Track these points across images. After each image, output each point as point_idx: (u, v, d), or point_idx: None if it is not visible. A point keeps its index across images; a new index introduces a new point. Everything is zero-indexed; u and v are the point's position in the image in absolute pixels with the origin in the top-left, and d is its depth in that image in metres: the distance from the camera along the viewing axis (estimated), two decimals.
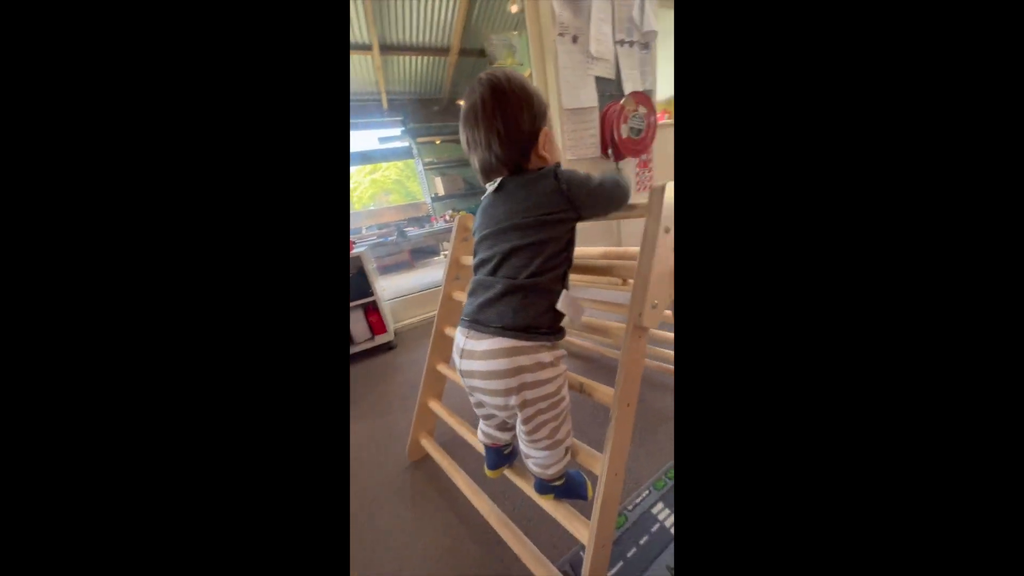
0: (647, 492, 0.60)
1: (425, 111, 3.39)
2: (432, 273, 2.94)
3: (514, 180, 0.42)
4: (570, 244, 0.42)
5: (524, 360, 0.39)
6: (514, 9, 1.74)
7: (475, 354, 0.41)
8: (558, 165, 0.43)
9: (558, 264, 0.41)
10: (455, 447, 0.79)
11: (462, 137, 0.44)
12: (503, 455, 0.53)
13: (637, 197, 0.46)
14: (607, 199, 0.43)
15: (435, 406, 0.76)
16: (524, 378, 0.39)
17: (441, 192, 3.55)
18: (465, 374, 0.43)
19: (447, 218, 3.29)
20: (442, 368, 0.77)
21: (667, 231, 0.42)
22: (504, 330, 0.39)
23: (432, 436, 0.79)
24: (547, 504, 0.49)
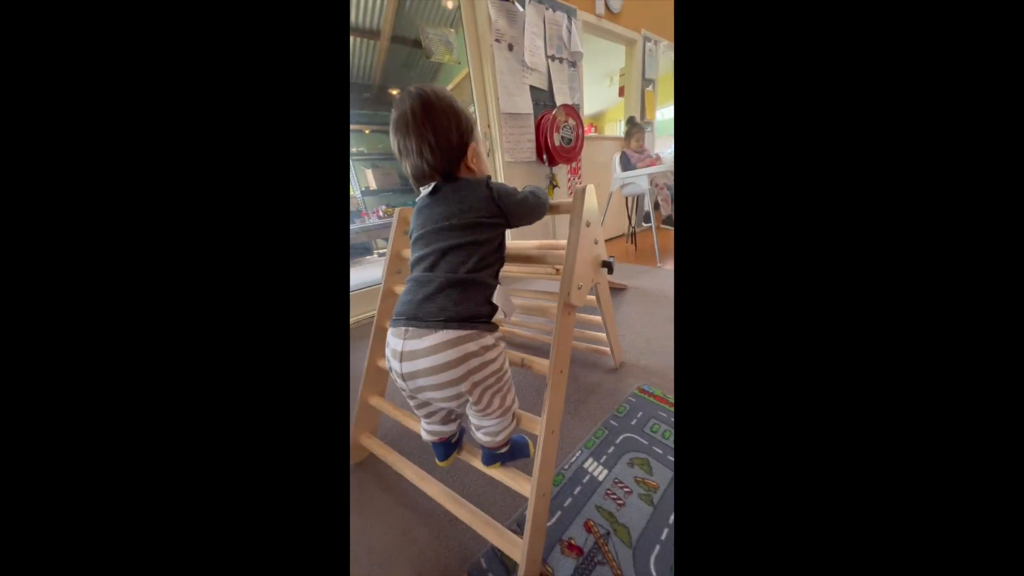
0: (579, 452, 0.69)
1: (354, 97, 3.11)
2: (366, 272, 2.71)
3: (448, 186, 0.46)
4: (501, 246, 0.48)
5: (471, 347, 0.41)
6: (449, 5, 1.75)
7: (418, 353, 0.41)
8: (488, 177, 0.48)
9: (492, 263, 0.46)
10: (401, 441, 0.78)
11: (393, 143, 0.46)
12: (451, 444, 0.56)
13: (565, 197, 0.54)
14: (531, 210, 0.49)
15: (377, 402, 0.74)
16: (471, 363, 0.41)
17: (373, 186, 3.30)
18: (407, 376, 0.42)
19: (380, 214, 3.08)
20: (383, 363, 0.75)
21: (588, 225, 0.51)
22: (448, 322, 0.41)
23: (375, 434, 0.76)
24: (495, 472, 0.53)
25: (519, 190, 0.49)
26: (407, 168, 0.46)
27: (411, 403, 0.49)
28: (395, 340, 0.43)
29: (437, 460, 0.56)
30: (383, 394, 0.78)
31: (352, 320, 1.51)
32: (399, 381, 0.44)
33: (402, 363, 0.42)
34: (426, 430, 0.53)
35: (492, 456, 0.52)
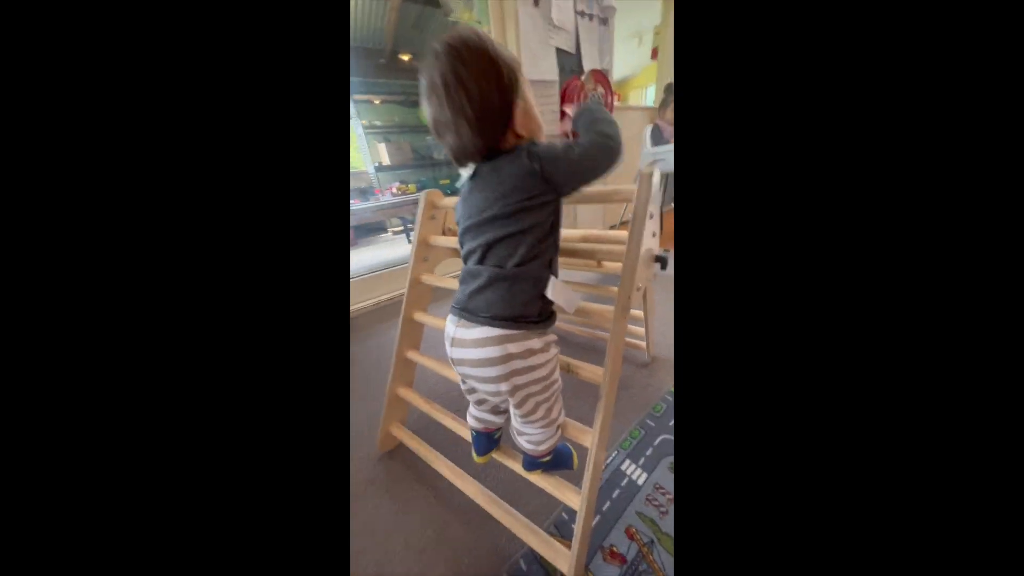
0: (616, 452, 0.67)
1: (365, 64, 2.90)
2: (381, 252, 2.69)
3: (487, 165, 0.39)
4: (554, 228, 0.41)
5: (513, 348, 0.38)
6: None
7: (465, 342, 0.40)
8: (532, 142, 0.38)
9: (543, 251, 0.39)
10: (430, 433, 0.77)
11: (428, 116, 0.38)
12: (493, 439, 0.54)
13: (596, 186, 0.42)
14: (592, 167, 0.38)
15: (406, 394, 0.73)
16: (514, 365, 0.39)
17: (386, 161, 3.18)
18: (456, 362, 0.42)
19: (394, 191, 2.99)
20: (412, 355, 0.72)
21: (651, 217, 0.44)
22: (492, 319, 0.38)
23: (404, 424, 0.76)
24: (536, 478, 0.51)
25: (573, 146, 0.38)
26: (446, 146, 0.39)
27: (463, 386, 0.47)
28: (450, 325, 0.43)
29: (475, 454, 0.54)
30: (411, 384, 0.77)
31: (368, 303, 1.50)
32: (452, 364, 0.44)
33: (452, 348, 0.42)
34: (473, 415, 0.52)
35: (533, 463, 0.50)
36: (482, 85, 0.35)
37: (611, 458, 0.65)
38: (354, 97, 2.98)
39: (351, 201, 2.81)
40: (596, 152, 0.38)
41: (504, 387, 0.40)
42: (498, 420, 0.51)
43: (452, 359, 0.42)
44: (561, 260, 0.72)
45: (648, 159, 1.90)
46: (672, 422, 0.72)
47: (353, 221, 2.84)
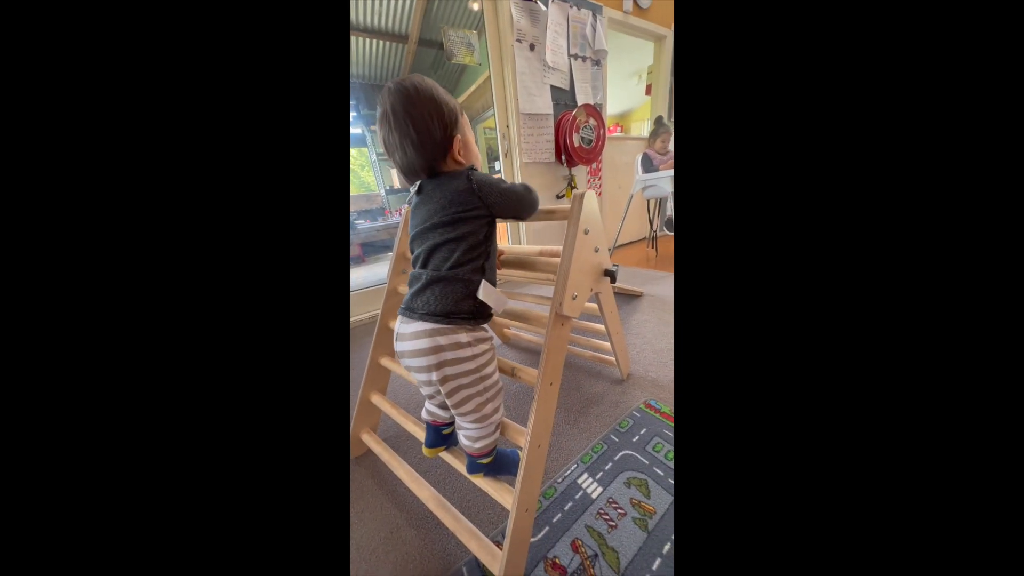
0: (575, 465, 0.67)
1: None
2: (383, 269, 2.80)
3: (431, 182, 0.46)
4: (488, 239, 0.47)
5: (442, 340, 0.43)
6: (475, 7, 1.76)
7: (405, 336, 0.45)
8: (471, 168, 0.47)
9: (476, 256, 0.45)
10: (399, 441, 0.79)
11: (379, 138, 0.46)
12: (441, 435, 0.56)
13: (563, 204, 0.52)
14: (516, 202, 0.47)
15: (378, 400, 0.76)
16: (443, 356, 0.43)
17: (397, 185, 3.40)
18: (400, 354, 0.47)
19: (402, 212, 3.16)
20: (385, 362, 0.76)
21: (586, 232, 0.48)
22: (427, 315, 0.44)
23: (375, 431, 0.78)
24: (480, 481, 0.52)
25: (503, 181, 0.48)
26: (394, 164, 0.47)
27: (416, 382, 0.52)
28: (397, 323, 0.48)
29: (424, 445, 0.57)
30: (384, 391, 0.80)
31: (366, 315, 1.56)
32: (400, 359, 0.48)
33: (397, 342, 0.47)
34: (426, 408, 0.56)
35: (475, 465, 0.51)
36: (425, 117, 0.43)
37: (569, 470, 0.65)
38: (372, 127, 3.27)
39: (362, 221, 2.98)
40: (520, 191, 0.48)
41: (435, 376, 0.45)
42: (445, 415, 0.54)
43: (397, 352, 0.47)
44: (520, 273, 0.77)
45: (639, 186, 1.97)
46: (636, 438, 0.72)
47: (361, 239, 3.00)
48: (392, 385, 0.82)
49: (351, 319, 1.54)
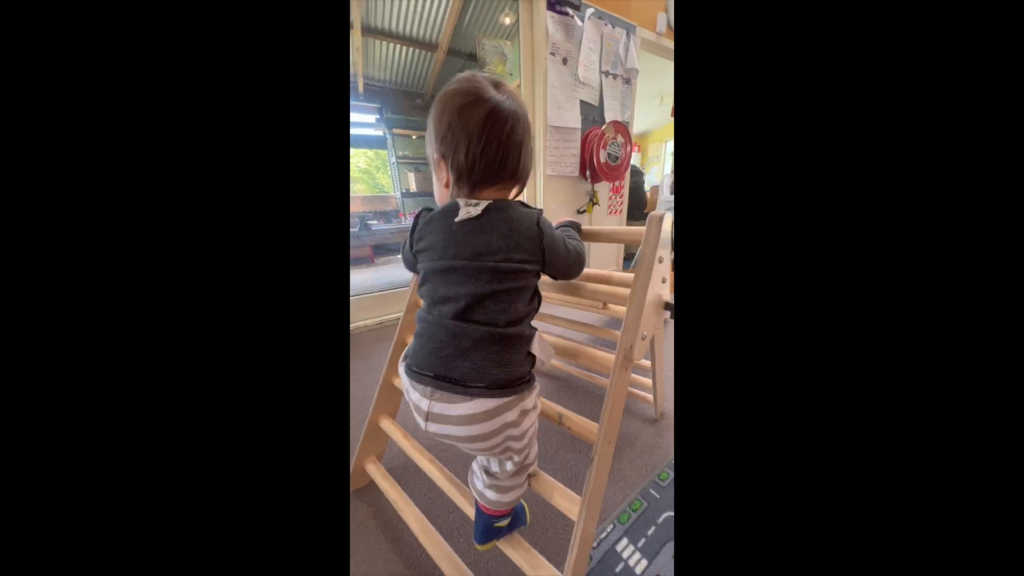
0: (611, 527, 0.57)
1: (406, 103, 3.24)
2: (395, 272, 2.75)
3: (500, 211, 0.35)
4: (537, 290, 0.39)
5: (510, 416, 0.35)
6: (507, 21, 1.76)
7: (449, 419, 0.34)
8: (541, 212, 0.38)
9: (532, 310, 0.38)
10: (406, 475, 0.70)
11: (445, 123, 0.34)
12: (494, 528, 0.44)
13: (610, 221, 0.45)
14: (567, 268, 0.41)
15: (387, 426, 0.67)
16: (509, 432, 0.36)
17: (413, 188, 3.39)
18: (436, 435, 0.37)
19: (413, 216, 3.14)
20: (399, 383, 0.68)
21: (661, 261, 0.41)
22: (488, 390, 0.33)
23: (380, 460, 0.69)
24: (507, 547, 0.43)
25: (562, 240, 0.40)
26: (460, 161, 0.35)
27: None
28: (419, 397, 0.36)
29: (475, 543, 0.45)
30: (394, 415, 0.71)
31: (374, 320, 1.49)
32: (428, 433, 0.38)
33: (428, 423, 0.36)
34: (475, 484, 0.44)
35: (489, 529, 0.43)
36: (525, 146, 0.37)
37: (605, 533, 0.56)
38: (394, 130, 3.30)
39: (375, 222, 2.95)
40: (575, 259, 0.42)
41: (495, 451, 0.37)
42: (492, 496, 0.43)
43: (430, 432, 0.36)
44: (561, 298, 0.69)
45: (665, 207, 1.92)
46: None
47: (373, 240, 2.97)
48: (404, 410, 0.74)
49: (358, 324, 1.46)
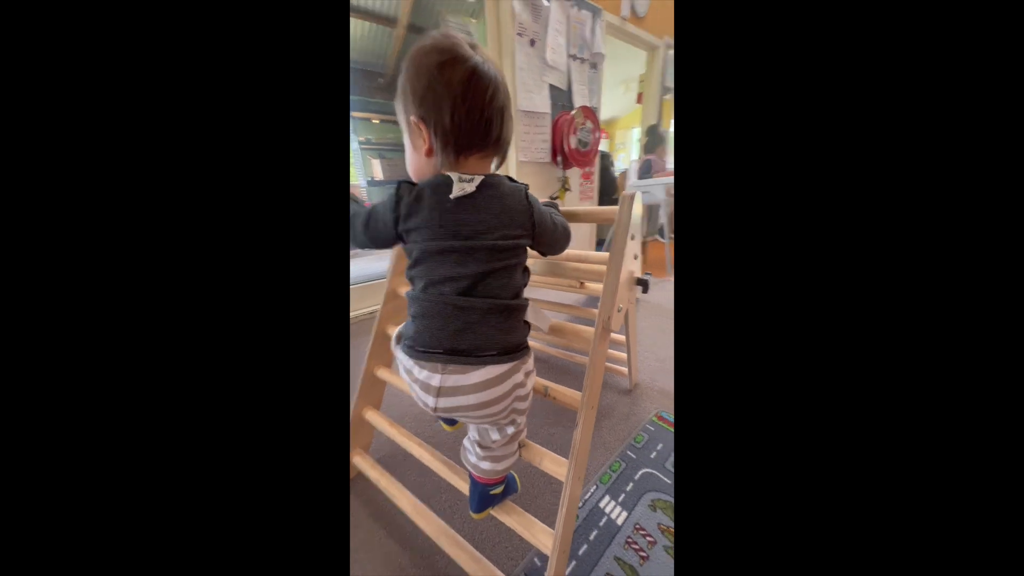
0: (594, 487, 0.62)
1: (365, 83, 3.01)
2: (364, 265, 2.62)
3: (492, 188, 0.35)
4: (526, 264, 0.41)
5: (518, 377, 0.38)
6: None
7: (463, 389, 0.35)
8: (527, 187, 0.38)
9: (526, 281, 0.40)
10: (395, 463, 0.70)
11: (423, 82, 0.32)
12: (489, 496, 0.46)
13: (583, 205, 0.48)
14: (554, 241, 0.42)
15: (373, 417, 0.67)
16: (517, 392, 0.38)
17: (379, 176, 3.21)
18: (445, 411, 0.37)
19: None
20: (383, 373, 0.67)
21: (632, 238, 0.44)
22: (499, 356, 0.35)
23: (367, 452, 0.69)
24: (501, 514, 0.46)
25: (549, 214, 0.41)
26: (448, 121, 0.32)
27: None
28: (428, 375, 0.35)
29: (471, 511, 0.47)
30: (379, 406, 0.71)
31: (352, 315, 1.43)
32: (433, 412, 0.38)
33: (439, 398, 0.36)
34: (468, 457, 0.46)
35: (487, 498, 0.45)
36: (509, 116, 0.37)
37: (589, 493, 0.61)
38: (353, 114, 3.05)
39: None
40: (561, 234, 0.44)
41: (502, 416, 0.39)
42: (487, 467, 0.45)
43: (438, 408, 0.36)
44: (543, 280, 0.71)
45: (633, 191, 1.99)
46: (653, 454, 0.69)
47: None
48: (387, 398, 0.73)
49: None
